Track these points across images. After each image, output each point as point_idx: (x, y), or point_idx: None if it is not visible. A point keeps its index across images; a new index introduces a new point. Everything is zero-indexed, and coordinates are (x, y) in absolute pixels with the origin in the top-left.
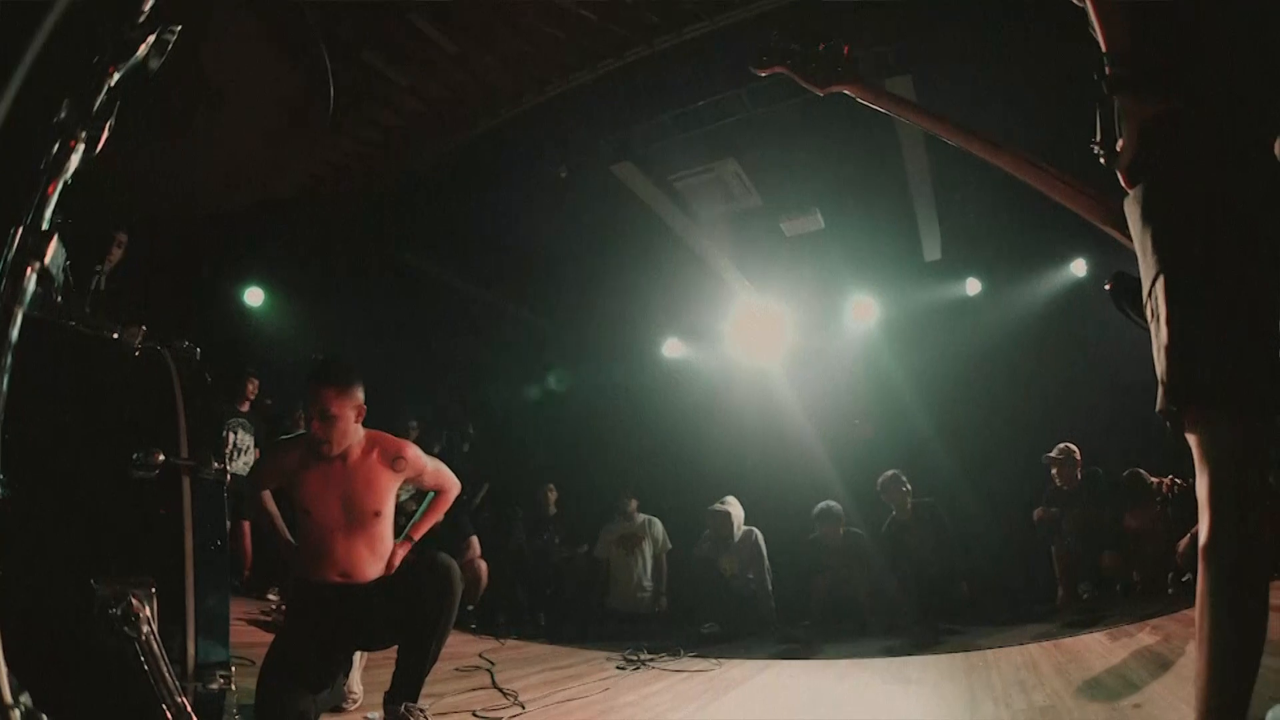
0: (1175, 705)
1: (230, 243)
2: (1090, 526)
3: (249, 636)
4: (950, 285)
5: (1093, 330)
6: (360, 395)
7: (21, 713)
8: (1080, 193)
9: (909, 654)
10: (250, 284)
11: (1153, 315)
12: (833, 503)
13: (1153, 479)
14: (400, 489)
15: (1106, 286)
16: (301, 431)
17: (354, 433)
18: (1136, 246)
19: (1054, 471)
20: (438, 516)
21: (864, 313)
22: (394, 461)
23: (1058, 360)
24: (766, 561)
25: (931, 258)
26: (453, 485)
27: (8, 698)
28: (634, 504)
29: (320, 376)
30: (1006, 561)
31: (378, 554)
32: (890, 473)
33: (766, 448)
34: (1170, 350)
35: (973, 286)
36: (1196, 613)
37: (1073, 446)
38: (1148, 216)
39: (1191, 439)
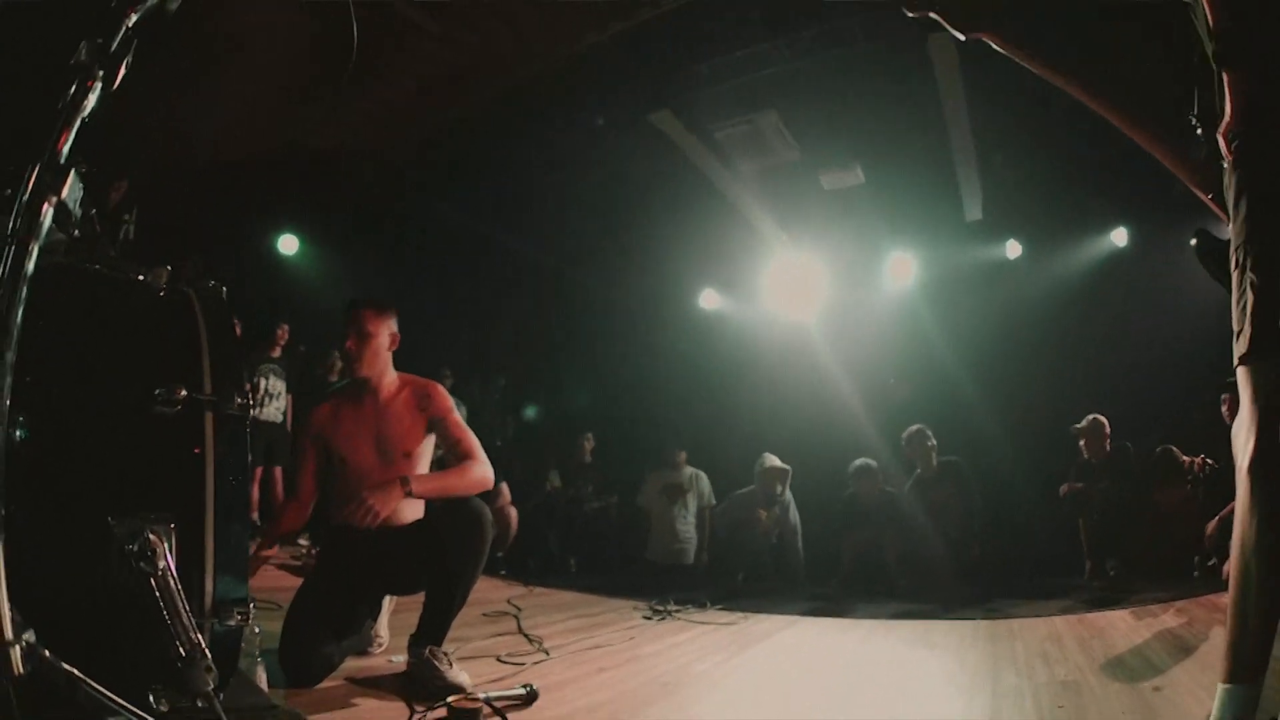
0: (1195, 692)
1: (265, 192)
2: (1118, 502)
3: (278, 580)
4: (990, 247)
5: (1131, 303)
6: (394, 324)
7: (22, 649)
8: (1182, 160)
9: (935, 618)
10: (284, 233)
11: (1238, 277)
12: (870, 460)
13: (1184, 458)
14: (437, 442)
15: (1192, 242)
16: (333, 383)
17: (386, 361)
18: (1230, 211)
19: (1082, 443)
20: (451, 483)
21: (902, 270)
22: (421, 400)
23: (1095, 330)
24: (799, 522)
25: (972, 218)
26: (481, 457)
27: (8, 634)
28: (682, 456)
29: (358, 300)
30: (1035, 530)
31: (410, 499)
32: (915, 427)
33: (800, 402)
34: (1257, 311)
35: (1013, 249)
36: (1235, 532)
37: (1101, 418)
38: (1242, 185)
39: (1244, 374)
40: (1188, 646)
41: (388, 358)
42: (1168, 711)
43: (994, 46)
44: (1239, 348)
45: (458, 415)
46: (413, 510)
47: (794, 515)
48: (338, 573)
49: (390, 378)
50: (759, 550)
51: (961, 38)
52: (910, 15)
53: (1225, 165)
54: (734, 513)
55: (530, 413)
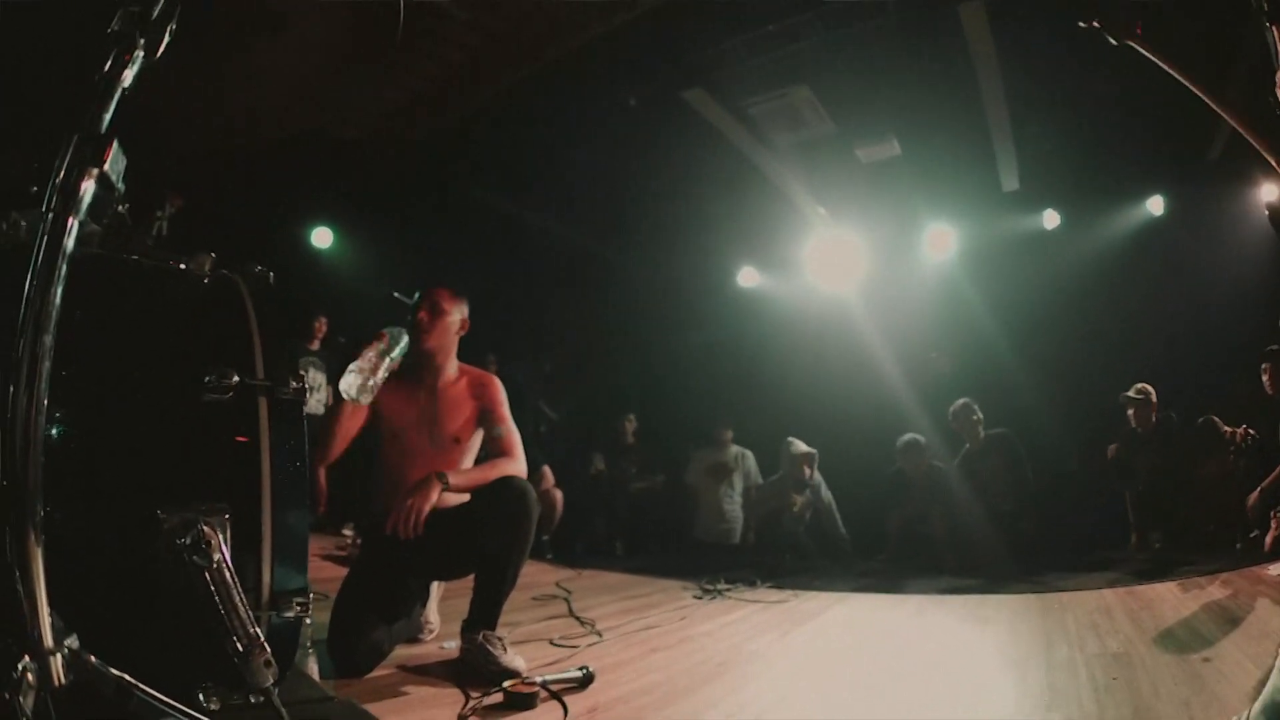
0: (1243, 663)
1: (298, 184)
2: (1163, 473)
3: (324, 572)
4: (1028, 217)
5: (1169, 271)
6: (466, 311)
7: (65, 656)
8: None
9: (985, 592)
10: (318, 225)
11: None
12: (917, 435)
13: (1226, 428)
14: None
15: (1266, 211)
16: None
17: (452, 343)
18: None
19: (1130, 412)
20: (487, 478)
21: (941, 243)
22: (477, 389)
23: (1134, 299)
24: (833, 500)
25: (1009, 188)
26: (518, 456)
27: (49, 642)
28: (728, 434)
29: (435, 282)
30: (1080, 501)
31: None
32: (961, 401)
33: (843, 377)
34: None
35: (1051, 219)
36: None
37: (1149, 387)
38: None
39: None
40: (1234, 618)
41: (454, 341)
42: (1217, 682)
43: (1142, 52)
44: None
45: (506, 411)
46: (457, 495)
47: (826, 494)
48: (384, 559)
49: (452, 364)
50: (797, 533)
51: (1114, 43)
52: (1081, 25)
53: None
54: (767, 502)
55: (574, 395)
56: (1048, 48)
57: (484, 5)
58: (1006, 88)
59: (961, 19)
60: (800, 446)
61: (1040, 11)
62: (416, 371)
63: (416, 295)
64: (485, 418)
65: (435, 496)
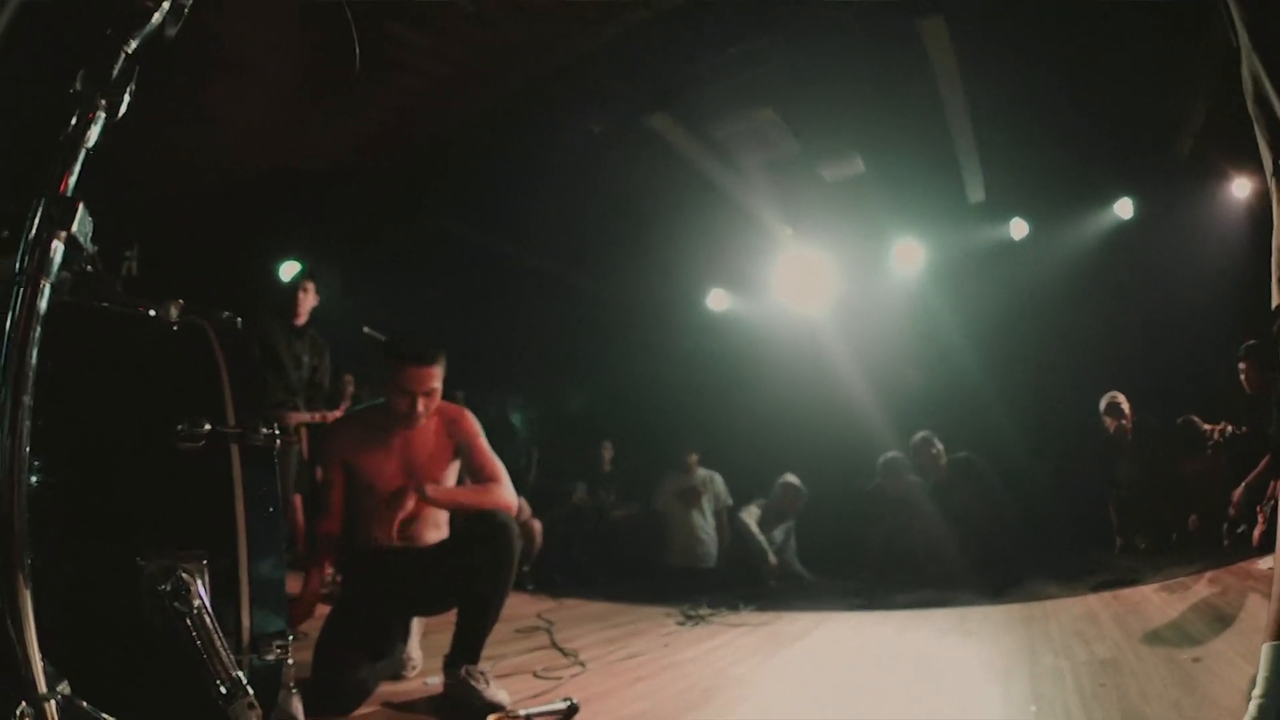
0: (1234, 660)
1: (264, 219)
2: (1145, 476)
3: None
4: (995, 227)
5: (1141, 273)
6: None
7: (59, 702)
8: None
9: (968, 605)
10: (285, 260)
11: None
12: (897, 453)
13: (1206, 425)
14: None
15: None
16: (352, 407)
17: None
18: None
19: (1107, 421)
20: (469, 498)
21: (909, 257)
22: (450, 425)
23: (1107, 303)
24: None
25: (975, 199)
26: (504, 484)
27: (42, 688)
28: (694, 458)
29: (418, 358)
30: (1059, 508)
31: (438, 520)
32: (920, 435)
33: (816, 397)
34: None
35: (1018, 229)
36: None
37: (1120, 395)
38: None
39: None
40: (1224, 616)
41: None
42: (1208, 681)
43: None
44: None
45: (484, 441)
46: (437, 531)
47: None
48: (366, 596)
49: None
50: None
51: None
52: None
53: None
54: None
55: (549, 424)
56: (1008, 57)
57: (446, 34)
58: (968, 99)
59: (922, 34)
60: (794, 480)
61: (1000, 22)
62: (384, 416)
63: (403, 365)
64: (464, 452)
65: (410, 501)
